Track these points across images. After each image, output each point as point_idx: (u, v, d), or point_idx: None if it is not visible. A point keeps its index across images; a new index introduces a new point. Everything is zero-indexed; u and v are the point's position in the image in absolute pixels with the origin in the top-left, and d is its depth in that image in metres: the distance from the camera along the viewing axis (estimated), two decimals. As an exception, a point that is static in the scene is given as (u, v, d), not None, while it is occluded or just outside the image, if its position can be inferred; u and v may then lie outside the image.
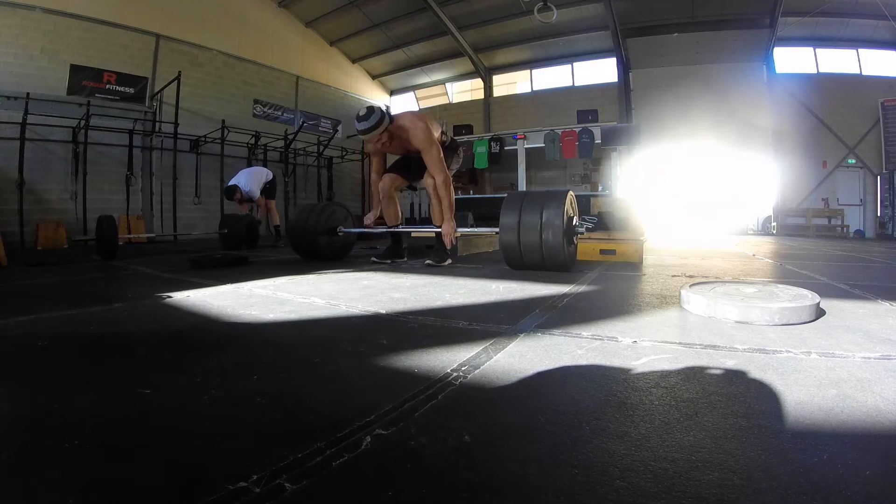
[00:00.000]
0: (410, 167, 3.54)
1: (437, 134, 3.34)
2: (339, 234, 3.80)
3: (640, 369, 1.04)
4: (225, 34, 10.52)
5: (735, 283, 1.93)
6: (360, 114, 3.18)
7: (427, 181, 3.37)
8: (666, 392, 0.90)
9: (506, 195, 3.14)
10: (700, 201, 12.01)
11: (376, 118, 3.13)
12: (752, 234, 10.70)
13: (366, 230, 3.69)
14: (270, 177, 6.48)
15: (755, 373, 1.00)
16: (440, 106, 15.16)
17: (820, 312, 1.55)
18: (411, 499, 0.56)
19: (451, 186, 3.35)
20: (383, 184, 3.55)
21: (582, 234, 3.08)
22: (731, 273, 2.87)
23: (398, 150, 3.42)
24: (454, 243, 3.57)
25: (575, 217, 3.02)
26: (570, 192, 2.97)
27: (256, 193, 6.22)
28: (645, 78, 12.24)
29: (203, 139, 9.56)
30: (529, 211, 2.82)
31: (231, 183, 6.22)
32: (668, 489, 0.57)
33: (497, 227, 2.97)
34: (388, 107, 3.46)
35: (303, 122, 11.68)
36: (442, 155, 3.30)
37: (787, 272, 3.03)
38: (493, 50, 13.65)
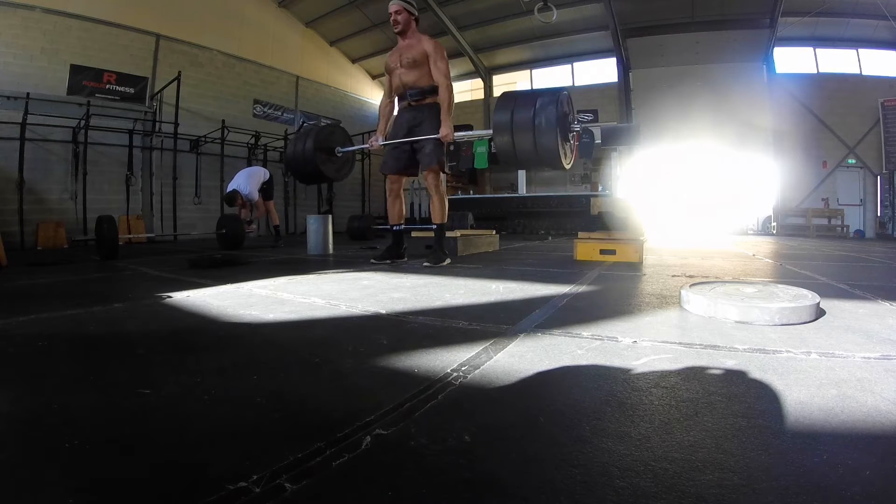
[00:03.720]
0: (405, 157, 3.55)
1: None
2: (338, 154, 3.81)
3: (640, 369, 1.04)
4: (225, 34, 10.52)
5: (735, 283, 1.93)
6: None
7: (429, 181, 3.38)
8: (666, 392, 0.90)
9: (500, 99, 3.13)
10: (700, 201, 12.01)
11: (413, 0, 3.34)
12: (752, 234, 10.70)
13: (364, 146, 3.76)
14: (267, 176, 6.46)
15: (755, 373, 1.00)
16: (440, 106, 15.15)
17: (820, 312, 1.55)
18: (411, 499, 0.56)
19: (453, 93, 3.40)
20: (390, 187, 3.58)
21: (578, 131, 3.03)
22: (731, 273, 2.87)
23: (396, 56, 3.42)
24: (452, 234, 3.55)
25: (570, 114, 2.99)
26: (566, 92, 2.97)
27: (255, 195, 6.22)
28: (645, 78, 12.24)
29: (203, 139, 9.57)
30: (522, 110, 2.78)
31: (230, 188, 6.21)
32: (668, 489, 0.57)
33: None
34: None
35: (303, 122, 11.69)
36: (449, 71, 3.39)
37: (787, 272, 3.03)
38: (493, 50, 13.66)
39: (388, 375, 1.02)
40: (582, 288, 2.23)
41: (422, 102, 3.38)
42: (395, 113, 3.65)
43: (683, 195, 12.09)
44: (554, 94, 2.82)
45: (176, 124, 8.65)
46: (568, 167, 2.96)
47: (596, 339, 1.30)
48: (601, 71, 13.11)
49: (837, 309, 1.68)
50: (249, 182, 6.19)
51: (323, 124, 3.94)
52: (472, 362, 1.09)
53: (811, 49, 11.55)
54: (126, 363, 1.13)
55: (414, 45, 3.36)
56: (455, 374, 1.01)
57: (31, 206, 7.28)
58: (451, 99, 3.35)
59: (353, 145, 4.06)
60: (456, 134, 3.37)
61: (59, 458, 0.66)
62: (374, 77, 14.97)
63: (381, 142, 3.59)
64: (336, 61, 13.80)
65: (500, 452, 0.68)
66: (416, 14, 3.38)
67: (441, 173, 3.43)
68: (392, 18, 3.34)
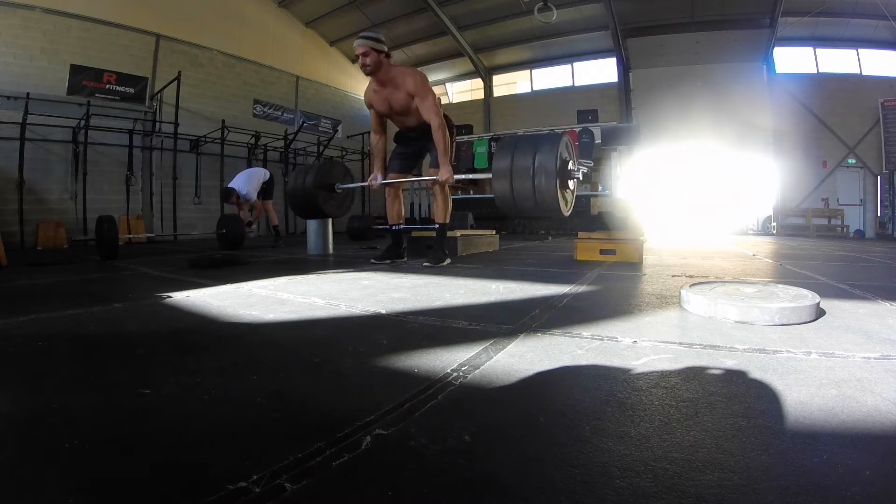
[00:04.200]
0: (414, 158, 3.53)
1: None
2: (338, 190, 3.79)
3: (640, 369, 1.04)
4: (225, 34, 10.52)
5: (735, 283, 1.93)
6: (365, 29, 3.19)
7: (431, 177, 3.38)
8: (666, 392, 0.90)
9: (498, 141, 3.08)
10: (700, 201, 12.02)
11: (379, 36, 3.11)
12: (752, 234, 10.70)
13: (364, 184, 3.63)
14: (267, 177, 6.47)
15: (755, 373, 1.00)
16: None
17: (820, 312, 1.55)
18: (411, 499, 0.56)
19: (447, 134, 3.24)
20: (391, 188, 3.55)
21: (579, 178, 2.93)
22: (731, 273, 2.87)
23: (385, 103, 3.29)
24: (452, 234, 3.51)
25: (571, 161, 2.90)
26: (567, 136, 2.89)
27: (253, 196, 6.24)
28: (645, 78, 12.24)
29: (203, 139, 9.57)
30: (521, 155, 2.69)
31: (229, 185, 6.24)
32: (668, 489, 0.57)
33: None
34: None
35: (303, 122, 11.69)
36: (438, 104, 3.23)
37: (787, 272, 3.03)
38: (493, 50, 13.65)
39: (388, 375, 1.02)
40: (582, 288, 2.23)
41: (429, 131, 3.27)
42: (399, 136, 3.58)
43: (683, 195, 12.09)
44: (554, 142, 2.72)
45: (176, 124, 8.65)
46: (567, 214, 2.89)
47: (596, 339, 1.30)
48: (601, 71, 13.11)
49: (837, 309, 1.68)
50: (249, 183, 6.20)
51: (322, 161, 3.88)
52: (472, 362, 1.09)
53: (811, 49, 11.55)
54: (126, 363, 1.13)
55: (398, 84, 3.19)
56: (455, 374, 1.01)
57: (31, 206, 7.27)
58: (447, 139, 3.21)
59: (353, 180, 3.98)
60: (457, 177, 3.28)
61: (59, 458, 0.66)
62: (374, 77, 14.95)
63: (380, 180, 3.47)
64: (336, 61, 13.80)
65: (500, 452, 0.68)
66: (386, 49, 3.14)
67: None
68: (360, 62, 3.11)
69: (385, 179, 3.48)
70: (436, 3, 11.68)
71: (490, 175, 2.85)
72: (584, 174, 3.49)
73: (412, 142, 3.48)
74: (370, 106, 3.41)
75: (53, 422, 0.78)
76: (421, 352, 1.18)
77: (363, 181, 3.70)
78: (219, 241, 5.53)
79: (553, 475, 0.61)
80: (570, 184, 2.89)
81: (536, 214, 2.76)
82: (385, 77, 3.19)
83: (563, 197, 2.75)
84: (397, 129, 3.54)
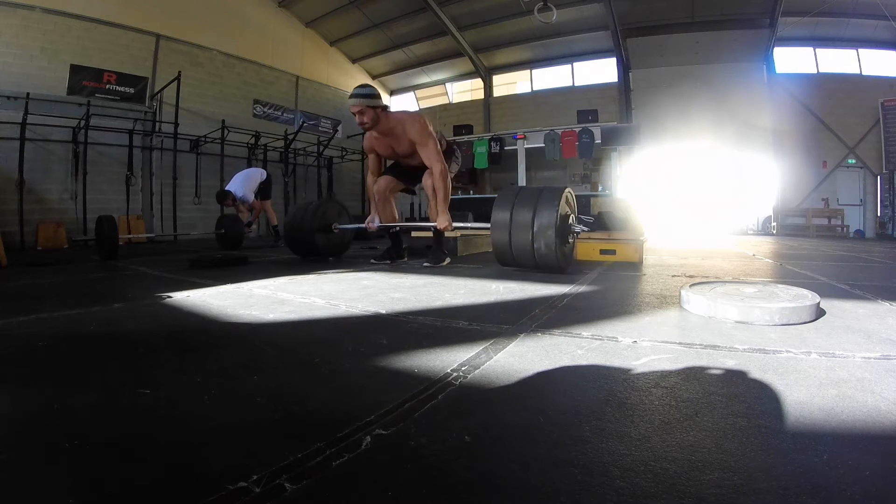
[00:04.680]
0: (407, 172, 3.54)
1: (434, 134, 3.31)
2: (335, 230, 3.80)
3: (640, 369, 1.04)
4: (225, 34, 10.51)
5: (735, 283, 1.93)
6: (358, 85, 3.19)
7: (426, 182, 3.37)
8: (666, 392, 0.90)
9: (497, 195, 3.06)
10: (700, 201, 12.02)
11: (372, 90, 3.13)
12: (752, 234, 10.70)
13: (361, 226, 3.64)
14: (265, 177, 6.46)
15: (755, 373, 1.00)
16: (440, 106, 15.15)
17: (820, 312, 1.55)
18: (411, 499, 0.56)
19: (449, 180, 3.29)
20: (378, 186, 3.54)
21: (578, 234, 2.95)
22: (731, 273, 2.87)
23: (388, 148, 3.35)
24: (452, 234, 3.47)
25: (571, 216, 2.91)
26: (568, 189, 2.87)
27: (250, 198, 6.23)
28: (645, 78, 12.24)
29: (203, 139, 9.56)
30: (521, 209, 2.69)
31: (225, 189, 6.23)
32: (669, 489, 0.57)
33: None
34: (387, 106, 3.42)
35: (303, 122, 11.68)
36: (439, 148, 3.26)
37: (787, 272, 3.03)
38: (493, 50, 13.64)
39: (388, 375, 1.02)
40: (582, 288, 2.23)
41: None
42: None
43: (683, 195, 12.09)
44: (554, 197, 2.68)
45: (176, 124, 8.64)
46: (567, 271, 2.87)
47: (596, 339, 1.30)
48: (601, 71, 13.09)
49: (837, 309, 1.68)
50: (245, 185, 6.19)
51: (317, 203, 3.87)
52: (472, 362, 1.09)
53: (811, 49, 11.54)
54: (126, 363, 1.13)
55: (398, 134, 3.22)
56: (455, 374, 1.01)
57: (31, 206, 7.27)
58: (447, 187, 3.24)
59: (349, 219, 3.97)
60: (456, 225, 3.30)
61: (59, 459, 0.66)
62: (374, 77, 14.95)
63: (377, 223, 3.51)
64: (336, 61, 13.79)
65: (500, 452, 0.68)
66: (381, 103, 3.16)
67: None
68: (357, 119, 3.13)
69: (381, 223, 3.52)
70: (436, 3, 11.67)
71: (489, 225, 2.84)
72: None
73: (414, 171, 3.49)
74: (371, 151, 3.45)
75: (53, 422, 0.78)
76: (421, 352, 1.18)
77: (361, 224, 3.67)
78: (218, 241, 5.53)
79: (553, 475, 0.61)
80: (570, 238, 2.90)
81: (532, 268, 2.76)
82: (385, 128, 3.22)
83: (563, 253, 2.75)
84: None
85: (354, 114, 3.12)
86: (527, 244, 2.65)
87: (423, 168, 3.33)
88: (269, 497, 0.56)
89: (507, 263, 2.86)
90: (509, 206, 2.75)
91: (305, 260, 3.75)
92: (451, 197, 3.44)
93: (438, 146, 3.25)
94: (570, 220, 2.86)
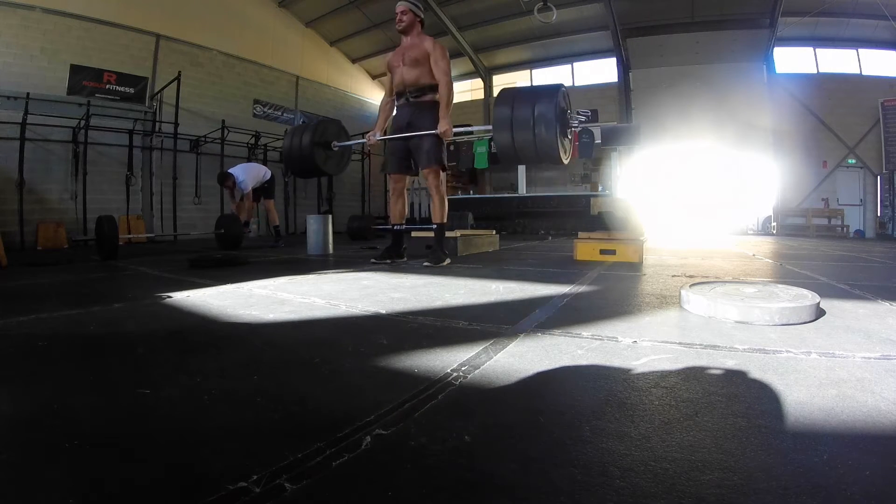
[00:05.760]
0: (407, 157, 3.57)
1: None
2: (334, 148, 3.81)
3: (640, 369, 1.04)
4: (225, 34, 10.51)
5: (735, 283, 1.93)
6: None
7: (429, 180, 3.38)
8: (666, 392, 0.90)
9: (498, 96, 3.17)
10: (700, 201, 12.02)
11: (419, 4, 3.47)
12: (752, 234, 10.70)
13: (361, 142, 3.77)
14: (269, 176, 6.42)
15: (755, 373, 1.00)
16: (440, 106, 15.14)
17: (820, 312, 1.55)
18: (411, 499, 0.56)
19: (453, 90, 3.45)
20: (394, 187, 3.63)
21: (576, 127, 3.09)
22: (731, 273, 2.87)
23: (400, 57, 3.48)
24: (452, 234, 3.52)
25: (569, 110, 3.03)
26: (563, 86, 3.01)
27: (248, 188, 6.13)
28: (645, 78, 12.24)
29: (203, 139, 9.57)
30: (521, 103, 2.82)
31: (228, 171, 6.17)
32: (669, 489, 0.57)
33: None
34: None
35: (302, 122, 11.68)
36: (450, 70, 3.44)
37: (787, 272, 3.03)
38: (493, 50, 13.65)
39: (388, 375, 1.02)
40: (582, 288, 2.23)
41: (421, 99, 3.41)
42: (395, 111, 3.67)
43: (683, 195, 12.10)
44: (553, 91, 2.86)
45: (176, 124, 8.64)
46: (566, 162, 2.99)
47: (596, 339, 1.30)
48: (601, 71, 13.10)
49: (837, 309, 1.68)
50: (247, 173, 6.12)
51: (317, 120, 3.92)
52: (472, 362, 1.09)
53: (811, 49, 11.55)
54: (126, 363, 1.13)
55: (417, 44, 3.42)
56: (455, 374, 1.01)
57: (31, 206, 7.27)
58: (451, 96, 3.40)
59: (349, 138, 4.06)
60: (455, 130, 3.40)
61: (59, 458, 0.66)
62: (374, 77, 14.96)
63: (378, 137, 3.63)
64: (336, 61, 13.80)
65: (500, 452, 0.68)
66: (422, 16, 3.48)
67: (441, 172, 3.43)
68: (397, 18, 3.42)
69: (381, 136, 3.63)
70: (436, 3, 11.67)
71: (490, 127, 2.95)
72: (583, 128, 3.79)
73: (404, 123, 3.52)
74: (389, 70, 3.63)
75: (53, 422, 0.78)
76: (421, 352, 1.18)
77: (361, 139, 3.76)
78: (218, 241, 5.53)
79: (553, 475, 0.61)
80: (569, 132, 3.01)
81: (536, 162, 2.83)
82: (412, 38, 3.46)
83: (563, 145, 2.87)
84: (394, 94, 3.66)
85: (397, 13, 3.42)
86: (528, 132, 2.77)
87: (414, 87, 3.41)
88: (269, 497, 0.56)
89: (510, 159, 2.96)
90: (510, 102, 2.87)
91: (305, 260, 3.75)
92: (450, 197, 3.47)
93: (450, 68, 3.47)
94: (568, 115, 2.99)
